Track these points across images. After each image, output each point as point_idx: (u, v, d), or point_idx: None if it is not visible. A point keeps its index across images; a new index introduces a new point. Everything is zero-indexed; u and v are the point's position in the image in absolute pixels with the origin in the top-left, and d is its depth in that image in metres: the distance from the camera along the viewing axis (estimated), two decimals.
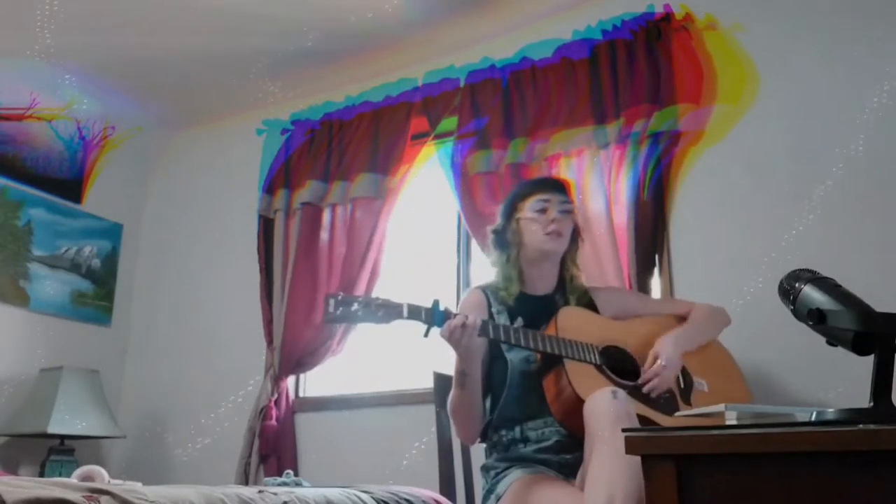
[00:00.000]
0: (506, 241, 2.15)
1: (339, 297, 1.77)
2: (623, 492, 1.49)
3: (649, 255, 2.57)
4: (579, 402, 1.75)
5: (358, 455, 2.96)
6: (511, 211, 2.17)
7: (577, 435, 1.80)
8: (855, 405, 1.14)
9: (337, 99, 3.44)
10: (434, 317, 1.81)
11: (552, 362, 1.90)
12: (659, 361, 1.94)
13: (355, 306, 1.76)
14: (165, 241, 3.87)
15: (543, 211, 2.11)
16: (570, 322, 1.96)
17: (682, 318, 2.17)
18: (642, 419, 1.79)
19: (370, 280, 3.09)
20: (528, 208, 2.13)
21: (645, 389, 1.92)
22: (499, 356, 2.03)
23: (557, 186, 2.19)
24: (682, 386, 2.00)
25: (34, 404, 3.14)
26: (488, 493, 1.94)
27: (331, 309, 1.76)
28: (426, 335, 1.82)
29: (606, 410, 1.62)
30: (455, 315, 1.83)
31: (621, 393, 1.68)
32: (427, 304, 1.84)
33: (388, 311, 1.79)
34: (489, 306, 2.11)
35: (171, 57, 3.31)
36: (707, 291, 2.43)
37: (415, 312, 1.81)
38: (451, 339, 1.82)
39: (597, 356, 1.92)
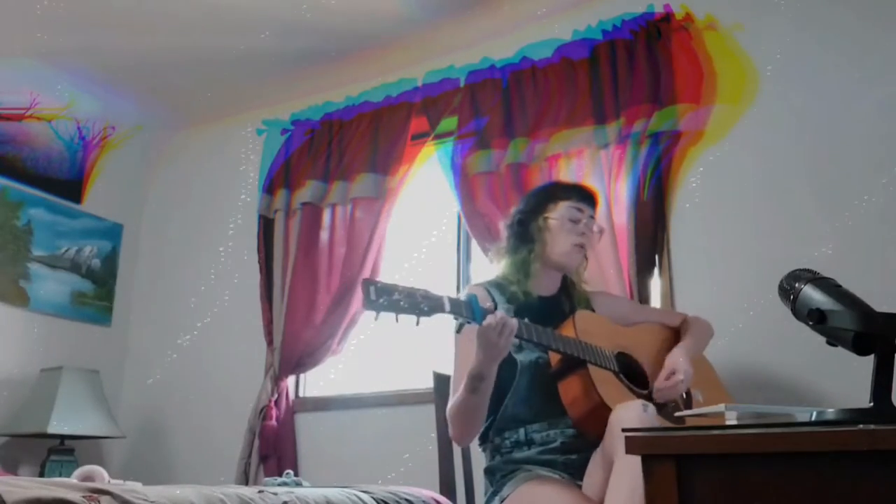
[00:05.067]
0: (528, 235, 2.10)
1: (379, 285, 1.63)
2: (643, 500, 1.50)
3: (649, 255, 2.57)
4: (602, 409, 1.74)
5: (358, 455, 2.96)
6: (541, 207, 2.12)
7: (590, 438, 1.80)
8: (855, 405, 1.14)
9: (337, 99, 3.44)
10: (474, 312, 1.74)
11: (572, 365, 1.88)
12: (677, 376, 1.94)
13: (396, 296, 1.63)
14: (165, 241, 3.87)
15: (575, 221, 2.08)
16: (588, 326, 1.94)
17: (674, 329, 2.19)
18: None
19: None
20: (561, 211, 2.09)
21: (656, 397, 1.94)
22: (507, 357, 1.96)
23: (591, 199, 2.16)
24: (685, 396, 2.03)
25: (34, 404, 3.14)
26: (493, 495, 1.93)
27: (372, 297, 1.60)
28: (458, 331, 1.76)
29: (635, 423, 1.58)
30: (495, 312, 1.76)
31: (651, 407, 1.66)
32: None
33: (432, 304, 1.67)
34: (494, 304, 2.04)
35: (171, 57, 3.32)
36: (707, 291, 2.44)
37: (456, 307, 1.71)
38: (488, 337, 1.74)
39: (615, 363, 1.92)
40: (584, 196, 2.15)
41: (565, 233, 2.07)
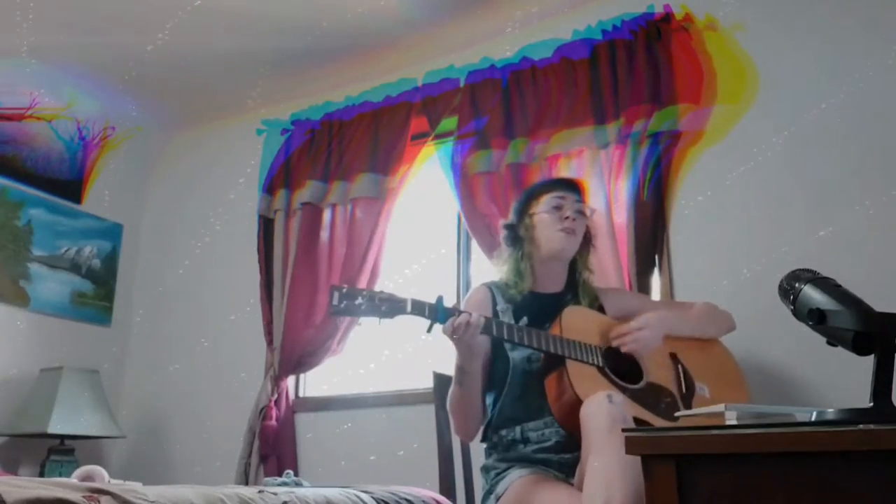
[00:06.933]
0: (518, 237, 2.14)
1: (344, 290, 1.77)
2: (620, 494, 1.49)
3: (649, 255, 2.57)
4: (579, 404, 1.74)
5: (358, 455, 2.96)
6: (525, 207, 2.17)
7: (576, 436, 1.79)
8: (855, 405, 1.14)
9: (337, 99, 3.44)
10: (437, 313, 1.81)
11: (554, 362, 1.89)
12: (633, 323, 1.96)
13: (359, 300, 1.76)
14: (165, 241, 3.87)
15: (559, 208, 2.11)
16: (575, 322, 1.95)
17: None
18: (641, 422, 1.79)
19: (370, 280, 3.09)
20: (543, 205, 2.13)
21: (614, 343, 1.95)
22: (501, 355, 2.02)
23: (573, 186, 2.19)
24: (685, 391, 2.00)
25: (34, 404, 3.14)
26: (488, 493, 1.94)
27: (335, 301, 1.75)
28: (429, 331, 1.82)
29: (602, 414, 1.61)
30: (459, 312, 1.82)
31: (617, 397, 1.67)
32: (431, 300, 1.84)
33: (392, 306, 1.78)
34: (494, 303, 2.09)
35: (171, 57, 3.31)
36: (707, 291, 2.43)
37: (418, 308, 1.80)
38: (454, 336, 1.82)
39: (599, 358, 1.91)
40: (566, 185, 2.19)
41: (551, 222, 2.10)
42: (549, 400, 1.89)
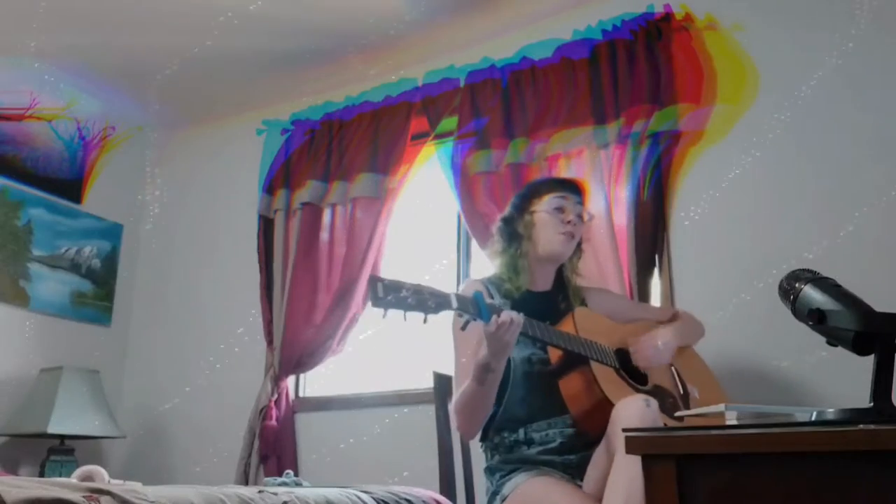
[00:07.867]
0: (516, 233, 2.11)
1: (386, 282, 1.63)
2: (641, 493, 1.50)
3: (649, 255, 2.57)
4: (606, 405, 1.75)
5: (358, 455, 2.96)
6: (525, 203, 2.14)
7: (590, 434, 1.81)
8: (855, 405, 1.14)
9: (337, 99, 3.44)
10: (481, 311, 1.74)
11: (573, 362, 1.89)
12: (654, 340, 1.99)
13: (404, 293, 1.62)
14: (165, 241, 3.87)
15: (560, 210, 2.09)
16: (588, 323, 1.95)
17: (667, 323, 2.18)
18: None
19: None
20: (546, 204, 2.10)
21: (635, 360, 1.96)
22: None
23: (575, 188, 2.17)
24: (682, 392, 2.02)
25: (34, 404, 3.14)
26: (493, 494, 1.93)
27: (380, 294, 1.60)
28: (464, 328, 1.75)
29: (637, 418, 1.60)
30: (500, 310, 1.77)
31: (654, 402, 1.66)
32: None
33: (438, 301, 1.67)
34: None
35: (171, 57, 3.32)
36: (707, 291, 2.44)
37: (463, 304, 1.71)
38: (496, 334, 1.75)
39: (615, 359, 1.93)
40: (568, 186, 2.17)
41: (552, 224, 2.08)
42: (567, 399, 1.88)
